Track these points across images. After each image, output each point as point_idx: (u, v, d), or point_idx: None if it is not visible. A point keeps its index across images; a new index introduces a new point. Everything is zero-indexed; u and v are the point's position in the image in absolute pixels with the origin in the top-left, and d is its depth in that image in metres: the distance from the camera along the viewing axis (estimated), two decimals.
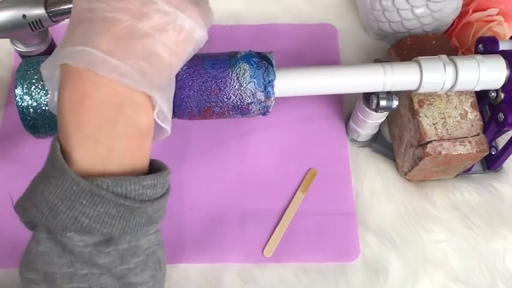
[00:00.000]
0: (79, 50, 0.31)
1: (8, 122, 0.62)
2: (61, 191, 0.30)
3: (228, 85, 0.48)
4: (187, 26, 0.35)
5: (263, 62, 0.49)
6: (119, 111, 0.32)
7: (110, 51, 0.31)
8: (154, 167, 0.36)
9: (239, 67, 0.48)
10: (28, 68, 0.48)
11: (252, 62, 0.48)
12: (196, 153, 0.61)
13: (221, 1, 0.72)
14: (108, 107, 0.31)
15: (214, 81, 0.48)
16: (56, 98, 0.33)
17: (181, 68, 0.47)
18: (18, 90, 0.47)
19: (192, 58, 0.48)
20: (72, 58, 0.31)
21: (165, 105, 0.34)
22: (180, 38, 0.35)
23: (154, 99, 0.33)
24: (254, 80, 0.48)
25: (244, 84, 0.48)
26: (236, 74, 0.48)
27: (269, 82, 0.49)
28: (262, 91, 0.49)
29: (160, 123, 0.35)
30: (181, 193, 0.59)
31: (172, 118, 0.51)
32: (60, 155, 0.31)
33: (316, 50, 0.69)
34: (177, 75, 0.47)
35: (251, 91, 0.49)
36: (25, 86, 0.47)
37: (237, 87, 0.48)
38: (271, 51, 0.51)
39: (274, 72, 0.48)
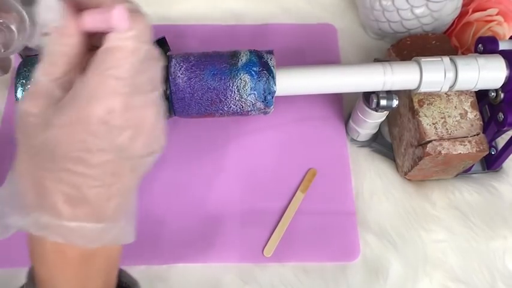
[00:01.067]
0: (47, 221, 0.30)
1: (8, 121, 0.62)
2: None
3: (229, 97, 0.49)
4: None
5: (264, 72, 0.49)
6: (95, 256, 0.32)
7: (58, 214, 0.30)
8: (122, 281, 0.37)
9: (240, 79, 0.49)
10: (28, 68, 0.48)
11: (252, 72, 0.49)
12: (196, 153, 0.61)
13: (221, 1, 0.72)
14: (88, 255, 0.32)
15: (215, 92, 0.49)
16: None
17: (181, 78, 0.48)
18: (18, 90, 0.47)
19: (192, 65, 0.48)
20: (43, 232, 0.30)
21: (118, 239, 0.33)
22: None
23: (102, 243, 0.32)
24: (255, 92, 0.49)
25: (245, 96, 0.49)
26: (237, 87, 0.49)
27: (269, 93, 0.49)
28: (262, 101, 0.50)
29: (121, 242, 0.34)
30: (181, 193, 0.59)
31: (172, 117, 0.52)
32: None
33: (316, 49, 0.69)
34: (177, 85, 0.49)
35: (251, 101, 0.50)
36: (25, 84, 0.47)
37: (237, 98, 0.49)
38: (271, 50, 0.51)
39: (275, 84, 0.49)
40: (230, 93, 0.49)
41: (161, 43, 0.52)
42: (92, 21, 0.30)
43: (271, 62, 0.49)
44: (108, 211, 0.31)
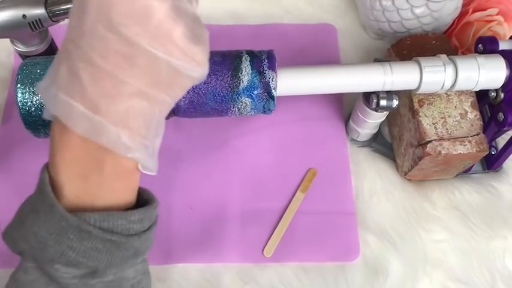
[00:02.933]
0: (64, 100, 0.30)
1: (8, 121, 0.62)
2: (50, 226, 0.31)
3: (230, 114, 0.52)
4: (189, 72, 0.32)
5: (264, 94, 0.50)
6: (106, 154, 0.31)
7: (95, 108, 0.30)
8: (143, 198, 0.36)
9: (241, 102, 0.50)
10: (29, 67, 0.48)
11: (253, 95, 0.50)
12: (197, 153, 0.61)
13: (221, 1, 0.72)
14: (95, 150, 0.31)
15: (216, 111, 0.51)
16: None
17: (183, 101, 0.49)
18: (19, 89, 0.47)
19: (193, 88, 0.49)
20: (58, 109, 0.30)
21: (148, 162, 0.33)
22: (180, 83, 0.32)
23: (137, 159, 0.32)
24: (254, 110, 0.51)
25: (245, 113, 0.52)
26: (238, 108, 0.51)
27: (269, 109, 0.52)
28: (262, 113, 0.52)
29: (144, 172, 0.34)
30: (181, 193, 0.59)
31: (172, 117, 0.52)
32: (50, 189, 0.31)
33: (316, 49, 0.69)
34: (179, 107, 0.50)
35: (251, 115, 0.53)
36: (25, 85, 0.47)
37: (237, 114, 0.52)
38: (272, 51, 0.51)
39: (275, 103, 0.51)
40: (230, 112, 0.51)
41: None
42: None
43: (273, 83, 0.50)
44: (111, 108, 0.30)
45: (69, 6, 0.51)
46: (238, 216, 0.58)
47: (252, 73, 0.49)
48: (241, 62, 0.49)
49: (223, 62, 0.49)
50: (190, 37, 0.30)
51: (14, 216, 0.35)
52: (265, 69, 0.49)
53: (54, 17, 0.52)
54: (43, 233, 0.31)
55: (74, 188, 0.32)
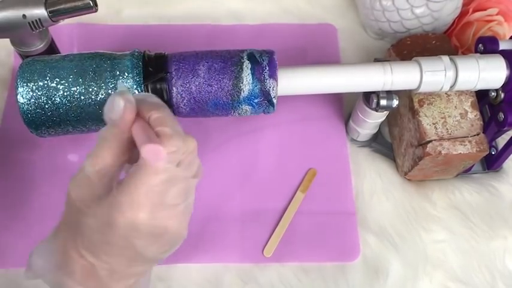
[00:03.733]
0: None
1: (8, 121, 0.62)
2: None
3: (229, 116, 0.53)
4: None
5: (264, 102, 0.50)
6: None
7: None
8: None
9: (241, 108, 0.51)
10: (29, 66, 0.48)
11: (253, 104, 0.50)
12: (197, 153, 0.61)
13: (221, 1, 0.72)
14: None
15: (216, 115, 0.52)
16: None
17: (184, 109, 0.50)
18: (19, 88, 0.47)
19: (193, 97, 0.50)
20: None
21: None
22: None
23: None
24: (254, 114, 0.52)
25: (244, 116, 0.53)
26: (238, 113, 0.52)
27: (268, 112, 0.52)
28: (261, 114, 0.53)
29: None
30: None
31: (172, 109, 0.52)
32: None
33: (316, 49, 0.69)
34: (180, 114, 0.51)
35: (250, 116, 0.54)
36: (26, 83, 0.47)
37: (237, 116, 0.53)
38: (273, 52, 0.51)
39: (274, 108, 0.51)
40: (230, 115, 0.52)
41: (160, 61, 0.51)
42: (134, 133, 0.33)
43: (273, 92, 0.50)
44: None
45: (69, 5, 0.51)
46: (238, 216, 0.58)
47: (252, 83, 0.49)
48: (242, 70, 0.49)
49: (224, 69, 0.49)
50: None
51: None
52: (266, 77, 0.49)
53: (54, 17, 0.52)
54: None
55: None
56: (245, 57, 0.50)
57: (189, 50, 0.51)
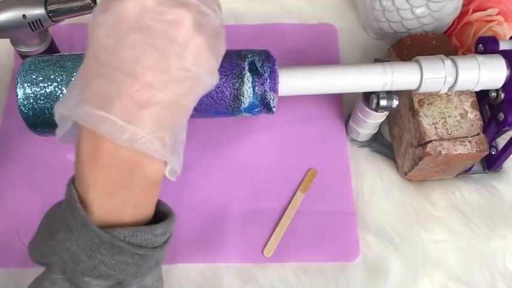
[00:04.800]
0: (99, 115, 0.31)
1: (8, 121, 0.62)
2: (83, 242, 0.32)
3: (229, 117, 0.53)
4: (205, 81, 0.35)
5: (264, 109, 0.51)
6: (135, 168, 0.33)
7: (130, 118, 0.31)
8: (160, 211, 0.37)
9: (241, 115, 0.52)
10: (30, 66, 0.48)
11: (253, 112, 0.51)
12: (196, 153, 0.61)
13: (221, 1, 0.72)
14: (126, 164, 0.32)
15: (216, 118, 0.53)
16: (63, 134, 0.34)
17: None
18: (19, 87, 0.47)
19: (195, 109, 0.49)
20: (92, 123, 0.31)
21: (177, 165, 0.35)
22: (197, 92, 0.35)
23: (170, 163, 0.34)
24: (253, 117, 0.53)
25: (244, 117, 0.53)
26: (238, 117, 0.52)
27: (267, 114, 0.52)
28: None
29: (169, 178, 0.36)
30: (181, 193, 0.59)
31: None
32: (81, 207, 0.32)
33: (316, 49, 0.69)
34: None
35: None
36: (26, 82, 0.47)
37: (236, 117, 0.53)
38: (273, 58, 0.50)
39: (274, 113, 0.51)
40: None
41: None
42: None
43: (273, 103, 0.50)
44: (144, 117, 0.31)
45: (69, 5, 0.51)
46: (238, 216, 0.58)
47: (253, 96, 0.50)
48: (243, 83, 0.49)
49: (226, 83, 0.49)
50: (208, 48, 0.33)
51: (39, 229, 0.36)
52: (267, 90, 0.49)
53: (54, 16, 0.52)
54: (76, 249, 0.32)
55: (103, 204, 0.33)
56: (246, 68, 0.49)
57: None
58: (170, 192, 0.59)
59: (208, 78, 0.34)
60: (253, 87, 0.49)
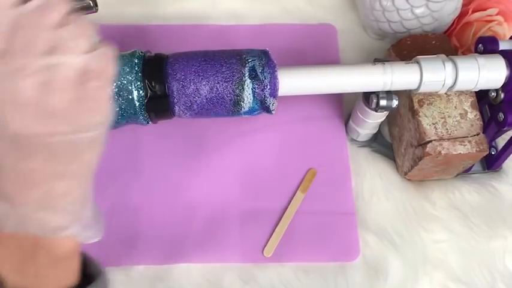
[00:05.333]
0: None
1: None
2: None
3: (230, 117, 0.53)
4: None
5: (263, 112, 0.52)
6: (36, 248, 0.32)
7: (16, 201, 0.29)
8: (88, 273, 0.36)
9: (240, 116, 0.52)
10: None
11: (253, 115, 0.52)
12: (197, 153, 0.61)
13: (221, 1, 0.72)
14: (26, 246, 0.32)
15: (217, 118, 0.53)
16: None
17: (187, 117, 0.51)
18: None
19: (195, 113, 0.51)
20: None
21: (85, 232, 0.33)
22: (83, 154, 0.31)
23: (73, 235, 0.32)
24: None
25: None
26: (237, 112, 0.52)
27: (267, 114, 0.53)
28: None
29: (88, 242, 0.34)
30: (181, 193, 0.59)
31: (172, 117, 0.52)
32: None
33: (316, 50, 0.69)
34: (181, 118, 0.52)
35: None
36: None
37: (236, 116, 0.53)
38: (275, 70, 0.50)
39: (271, 113, 0.52)
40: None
41: (159, 79, 0.50)
42: None
43: (273, 107, 0.51)
44: (36, 196, 0.29)
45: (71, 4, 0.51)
46: (238, 216, 0.58)
47: (253, 101, 0.50)
48: (243, 90, 0.49)
49: (226, 90, 0.49)
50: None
51: None
52: (267, 96, 0.50)
53: None
54: None
55: (16, 280, 0.33)
56: (246, 74, 0.49)
57: (189, 55, 0.51)
58: (170, 192, 0.59)
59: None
60: (253, 93, 0.50)
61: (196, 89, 0.49)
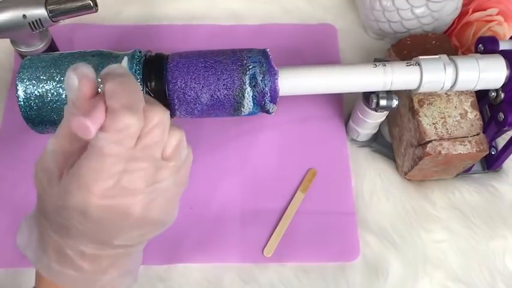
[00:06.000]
0: (64, 273, 0.33)
1: (8, 121, 0.62)
2: None
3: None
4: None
5: (263, 114, 0.52)
6: None
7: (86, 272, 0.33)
8: None
9: (241, 115, 0.52)
10: (30, 64, 0.48)
11: (254, 114, 0.52)
12: (197, 153, 0.61)
13: (221, 1, 0.72)
14: None
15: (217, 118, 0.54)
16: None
17: (188, 118, 0.52)
18: (19, 85, 0.47)
19: (196, 116, 0.51)
20: (60, 280, 0.33)
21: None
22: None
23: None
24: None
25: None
26: (238, 115, 0.53)
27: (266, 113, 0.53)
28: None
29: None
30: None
31: (173, 117, 0.52)
32: None
33: (316, 50, 0.69)
34: (181, 119, 0.53)
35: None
36: (26, 80, 0.47)
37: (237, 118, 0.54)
38: (276, 75, 0.50)
39: (270, 114, 0.52)
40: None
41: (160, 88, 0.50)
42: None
43: (272, 110, 0.51)
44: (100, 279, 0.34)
45: (69, 5, 0.51)
46: (238, 216, 0.58)
47: (253, 107, 0.51)
48: (244, 97, 0.50)
49: (226, 97, 0.50)
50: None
51: None
52: (267, 102, 0.50)
53: (54, 17, 0.52)
54: None
55: None
56: (247, 82, 0.49)
57: (189, 59, 0.51)
58: None
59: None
60: (254, 100, 0.50)
61: (197, 96, 0.49)
